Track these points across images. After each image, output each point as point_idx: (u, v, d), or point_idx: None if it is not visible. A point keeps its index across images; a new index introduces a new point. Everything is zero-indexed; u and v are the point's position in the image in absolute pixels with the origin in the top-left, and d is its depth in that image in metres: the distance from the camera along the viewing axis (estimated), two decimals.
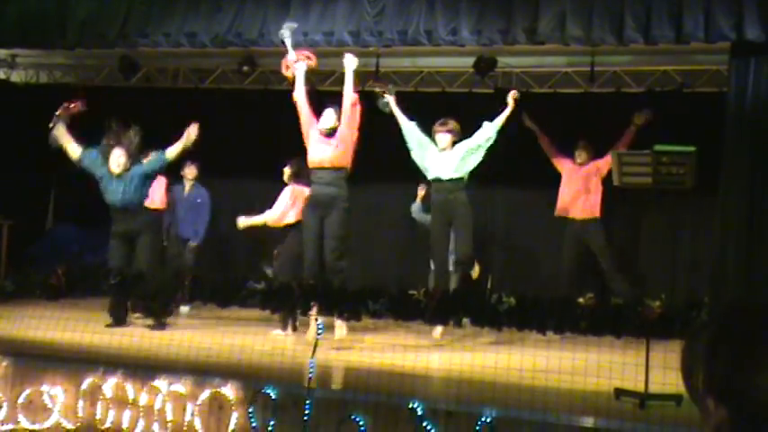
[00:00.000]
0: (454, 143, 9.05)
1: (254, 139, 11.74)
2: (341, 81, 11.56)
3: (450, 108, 10.77)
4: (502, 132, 9.14)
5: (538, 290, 8.37)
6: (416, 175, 9.64)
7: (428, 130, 9.32)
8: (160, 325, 8.79)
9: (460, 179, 9.00)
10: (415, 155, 9.15)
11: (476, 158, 9.02)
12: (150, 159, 9.02)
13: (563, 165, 10.09)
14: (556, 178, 10.19)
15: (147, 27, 9.51)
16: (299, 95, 8.74)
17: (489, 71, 10.50)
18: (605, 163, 9.40)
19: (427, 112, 11.23)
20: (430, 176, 9.14)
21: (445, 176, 9.00)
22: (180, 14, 9.40)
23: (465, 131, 10.37)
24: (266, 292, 7.06)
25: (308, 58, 8.70)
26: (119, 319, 8.94)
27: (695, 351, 1.48)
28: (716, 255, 8.21)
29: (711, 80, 10.10)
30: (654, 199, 6.57)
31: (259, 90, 11.86)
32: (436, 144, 9.09)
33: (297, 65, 8.69)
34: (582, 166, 9.99)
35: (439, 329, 8.87)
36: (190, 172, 11.02)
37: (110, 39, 9.66)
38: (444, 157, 9.02)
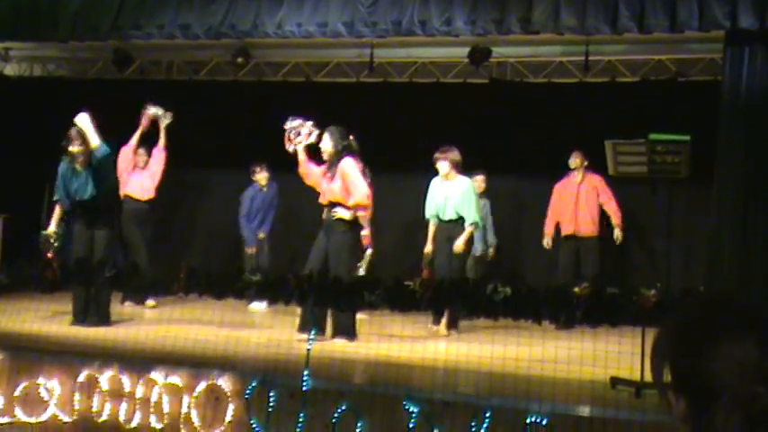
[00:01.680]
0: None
1: (248, 131, 11.71)
2: (335, 73, 11.59)
3: (445, 98, 10.78)
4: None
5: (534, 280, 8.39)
6: (420, 167, 9.64)
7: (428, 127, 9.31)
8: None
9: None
10: None
11: None
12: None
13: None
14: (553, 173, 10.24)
15: (141, 19, 9.49)
16: (306, 171, 8.46)
17: (484, 61, 10.49)
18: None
19: (422, 103, 11.25)
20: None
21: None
22: (173, 6, 9.38)
23: (460, 122, 10.38)
24: (262, 285, 7.04)
25: (309, 135, 8.49)
26: (81, 318, 8.58)
27: (658, 345, 1.51)
28: (711, 242, 8.22)
29: (706, 69, 10.10)
30: (650, 188, 6.54)
31: (253, 81, 11.83)
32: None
33: (298, 145, 8.46)
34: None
35: (443, 324, 8.85)
36: (262, 177, 11.08)
37: (103, 31, 9.64)
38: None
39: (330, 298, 6.80)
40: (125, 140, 9.94)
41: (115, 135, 9.69)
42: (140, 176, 10.28)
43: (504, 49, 10.42)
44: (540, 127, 10.72)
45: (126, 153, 9.87)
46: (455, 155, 9.02)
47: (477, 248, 10.19)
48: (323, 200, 8.25)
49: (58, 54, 12.14)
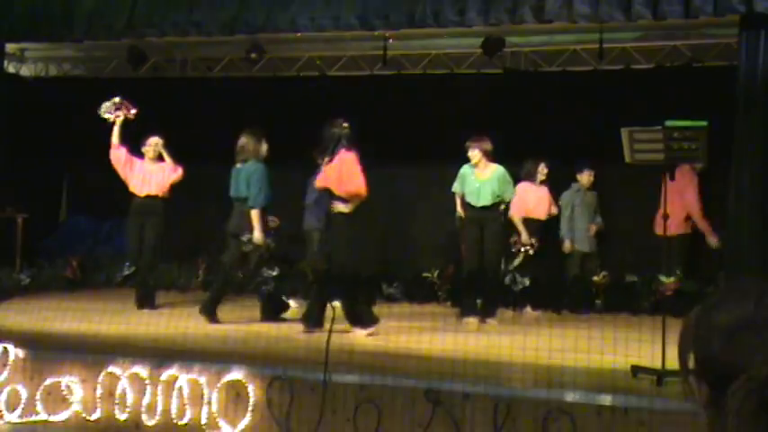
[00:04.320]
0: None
1: (263, 126, 11.73)
2: (349, 66, 11.59)
3: (459, 89, 10.77)
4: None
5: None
6: (435, 158, 9.64)
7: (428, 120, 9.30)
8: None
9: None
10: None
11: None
12: None
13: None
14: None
15: (154, 17, 9.51)
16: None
17: (497, 51, 10.47)
18: None
19: (436, 95, 11.24)
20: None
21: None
22: (186, 3, 9.40)
23: (475, 113, 10.36)
24: (280, 279, 7.07)
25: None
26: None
27: (685, 331, 1.51)
28: (730, 228, 8.18)
29: (721, 54, 10.04)
30: (668, 174, 6.49)
31: (268, 77, 11.85)
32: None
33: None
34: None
35: (472, 320, 8.79)
36: None
37: (117, 30, 9.67)
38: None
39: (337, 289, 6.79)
40: (140, 138, 9.91)
41: (131, 132, 9.76)
42: (150, 171, 9.90)
43: (517, 39, 10.39)
44: (555, 116, 10.68)
45: (114, 155, 9.68)
46: (487, 144, 9.02)
47: (568, 243, 10.47)
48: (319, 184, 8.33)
49: (73, 54, 12.20)
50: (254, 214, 8.59)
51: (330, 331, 6.22)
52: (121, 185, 9.72)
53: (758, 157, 7.98)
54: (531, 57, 10.98)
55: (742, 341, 1.40)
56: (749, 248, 7.95)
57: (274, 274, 8.68)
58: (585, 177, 10.47)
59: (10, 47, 11.60)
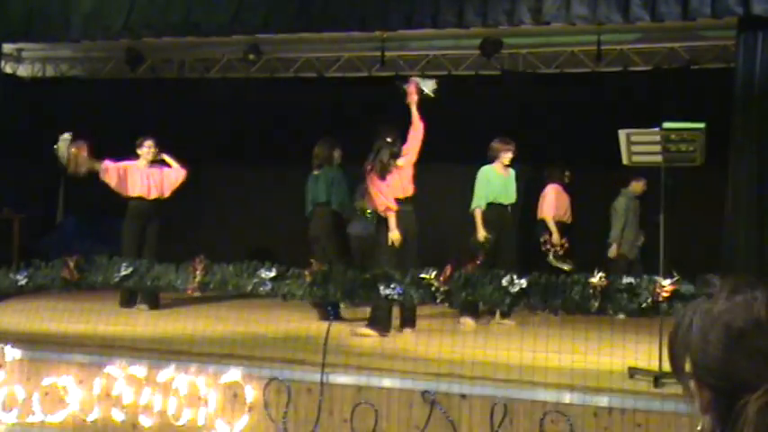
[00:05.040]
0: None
1: (262, 127, 11.74)
2: (347, 67, 11.59)
3: (458, 91, 10.76)
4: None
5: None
6: (434, 159, 9.63)
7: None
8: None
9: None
10: None
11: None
12: None
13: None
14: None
15: (152, 18, 9.49)
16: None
17: (495, 53, 10.47)
18: None
19: (435, 96, 11.22)
20: None
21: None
22: (184, 4, 9.39)
23: (473, 114, 10.38)
24: (277, 280, 7.05)
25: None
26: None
27: (683, 335, 1.48)
28: (727, 230, 8.19)
29: (719, 56, 10.04)
30: (670, 176, 6.49)
31: (265, 78, 11.85)
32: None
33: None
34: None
35: (468, 321, 8.83)
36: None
37: (114, 30, 9.65)
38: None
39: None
40: (136, 137, 9.86)
41: (129, 134, 9.76)
42: (150, 173, 9.85)
43: (515, 40, 10.39)
44: (553, 118, 10.69)
45: (104, 177, 9.65)
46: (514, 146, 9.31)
47: (615, 248, 10.45)
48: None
49: (70, 54, 12.19)
50: (331, 216, 9.20)
51: (327, 333, 6.21)
52: None
53: (755, 159, 7.98)
54: (529, 58, 10.98)
55: (748, 346, 1.38)
56: (746, 250, 7.95)
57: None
58: (640, 186, 10.36)
59: (7, 47, 11.58)
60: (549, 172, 10.43)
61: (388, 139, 8.28)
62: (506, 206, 9.28)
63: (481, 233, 9.03)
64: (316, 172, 9.26)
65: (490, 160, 9.29)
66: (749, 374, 1.36)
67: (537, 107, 10.92)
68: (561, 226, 10.19)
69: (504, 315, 9.05)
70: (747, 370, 1.37)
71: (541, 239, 9.95)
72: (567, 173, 10.46)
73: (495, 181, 9.21)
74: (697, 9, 7.76)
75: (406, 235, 8.13)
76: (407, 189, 8.28)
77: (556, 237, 9.92)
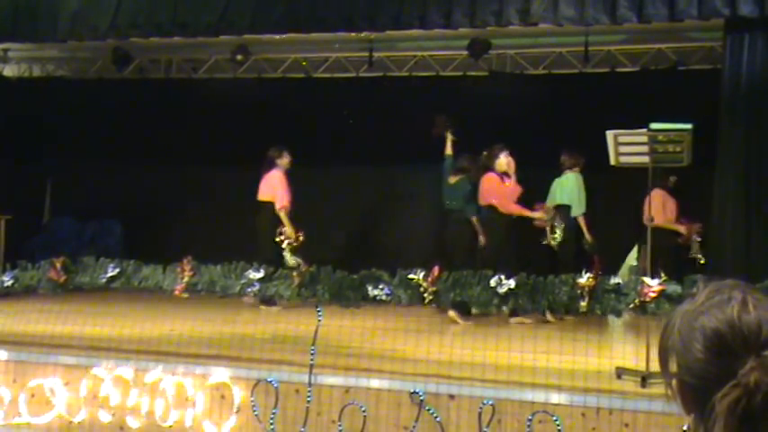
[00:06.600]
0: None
1: (249, 128, 11.71)
2: (334, 68, 11.58)
3: (445, 92, 10.78)
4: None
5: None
6: (422, 160, 9.64)
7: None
8: None
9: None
10: None
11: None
12: None
13: None
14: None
15: (139, 18, 9.46)
16: None
17: (483, 54, 10.48)
18: None
19: (422, 97, 11.24)
20: None
21: None
22: (171, 4, 9.36)
23: (461, 115, 10.37)
24: (264, 281, 7.04)
25: None
26: None
27: (667, 337, 1.50)
28: (714, 230, 8.22)
29: (706, 57, 10.09)
30: (657, 177, 6.51)
31: (253, 78, 11.83)
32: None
33: None
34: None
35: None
36: None
37: (101, 30, 9.61)
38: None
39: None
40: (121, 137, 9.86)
41: (116, 134, 9.72)
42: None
43: (503, 41, 10.41)
44: (541, 118, 10.70)
45: None
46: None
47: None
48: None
49: (57, 54, 12.15)
50: (475, 220, 9.55)
51: (315, 333, 6.20)
52: (105, 187, 9.69)
53: (742, 160, 8.01)
54: (517, 59, 11.01)
55: (726, 346, 1.40)
56: (733, 251, 7.98)
57: None
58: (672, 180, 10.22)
59: None
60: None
61: (484, 152, 9.26)
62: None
63: (588, 235, 9.61)
64: (452, 180, 9.55)
65: (568, 168, 9.69)
66: (724, 373, 1.38)
67: (525, 108, 10.92)
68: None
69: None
70: (722, 369, 1.38)
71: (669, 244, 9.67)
72: (671, 178, 9.84)
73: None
74: (684, 10, 7.78)
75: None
76: None
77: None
